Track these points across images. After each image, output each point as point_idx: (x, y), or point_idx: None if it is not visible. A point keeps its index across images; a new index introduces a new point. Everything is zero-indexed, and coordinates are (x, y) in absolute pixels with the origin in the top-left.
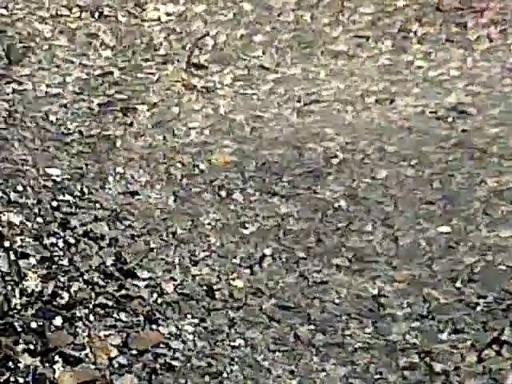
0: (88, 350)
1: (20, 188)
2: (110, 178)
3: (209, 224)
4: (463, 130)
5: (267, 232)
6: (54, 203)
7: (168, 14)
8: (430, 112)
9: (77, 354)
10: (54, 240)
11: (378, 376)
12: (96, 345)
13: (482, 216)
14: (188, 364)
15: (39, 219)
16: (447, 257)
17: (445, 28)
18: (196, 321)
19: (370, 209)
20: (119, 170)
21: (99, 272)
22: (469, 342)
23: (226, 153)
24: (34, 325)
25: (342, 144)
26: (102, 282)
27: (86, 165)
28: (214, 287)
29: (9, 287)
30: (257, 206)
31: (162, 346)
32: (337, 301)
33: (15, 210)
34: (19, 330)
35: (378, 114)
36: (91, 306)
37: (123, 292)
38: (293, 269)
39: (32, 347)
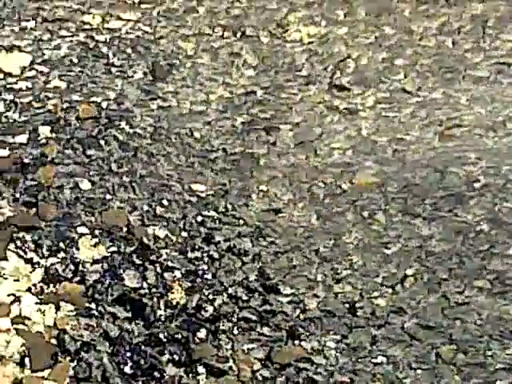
0: (231, 363)
1: (165, 202)
2: (254, 196)
3: (351, 243)
4: None
5: (409, 253)
6: (199, 218)
7: (310, 36)
8: None
9: (221, 365)
10: (198, 254)
11: None
12: (240, 358)
13: None
14: (330, 379)
15: (184, 233)
16: None
17: None
18: (338, 337)
19: None
20: (263, 187)
21: (243, 287)
22: None
23: (368, 174)
24: (178, 336)
25: (484, 168)
26: (245, 297)
27: (230, 182)
28: (357, 305)
29: (155, 299)
30: (399, 226)
31: (304, 360)
32: (478, 322)
33: (161, 224)
34: (164, 340)
35: None
36: (235, 320)
37: (266, 307)
38: (435, 289)
39: (177, 358)
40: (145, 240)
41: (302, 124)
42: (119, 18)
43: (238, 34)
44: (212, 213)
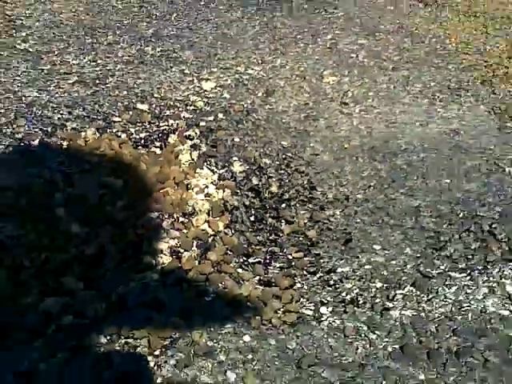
0: (295, 219)
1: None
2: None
3: None
4: None
5: None
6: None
7: (333, 81)
8: None
9: (290, 218)
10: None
11: None
12: (299, 217)
13: None
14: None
15: None
16: None
17: None
18: None
19: None
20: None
21: (301, 186)
22: None
23: (356, 140)
24: (273, 206)
25: None
26: (304, 192)
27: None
28: None
29: (264, 189)
30: None
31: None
32: None
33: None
34: (268, 207)
35: None
36: (297, 201)
37: (310, 197)
38: None
39: (274, 214)
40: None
41: (329, 118)
42: None
43: (302, 78)
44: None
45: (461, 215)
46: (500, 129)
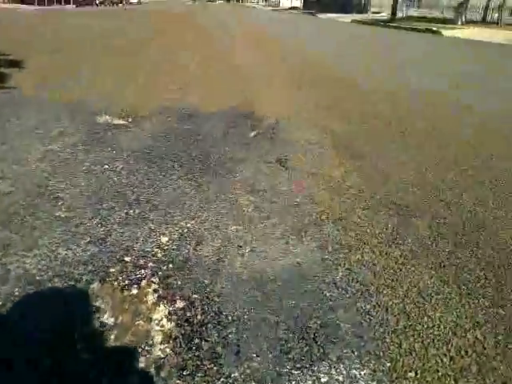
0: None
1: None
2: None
3: None
4: None
5: None
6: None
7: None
8: None
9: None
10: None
11: None
12: None
13: None
14: None
15: None
16: None
17: None
18: None
19: None
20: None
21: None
22: None
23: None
24: None
25: None
26: None
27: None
28: None
29: None
30: None
31: None
32: None
33: None
34: None
35: None
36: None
37: None
38: None
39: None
40: None
41: (230, 259)
42: None
43: (217, 228)
44: None
45: (299, 326)
46: (322, 259)
